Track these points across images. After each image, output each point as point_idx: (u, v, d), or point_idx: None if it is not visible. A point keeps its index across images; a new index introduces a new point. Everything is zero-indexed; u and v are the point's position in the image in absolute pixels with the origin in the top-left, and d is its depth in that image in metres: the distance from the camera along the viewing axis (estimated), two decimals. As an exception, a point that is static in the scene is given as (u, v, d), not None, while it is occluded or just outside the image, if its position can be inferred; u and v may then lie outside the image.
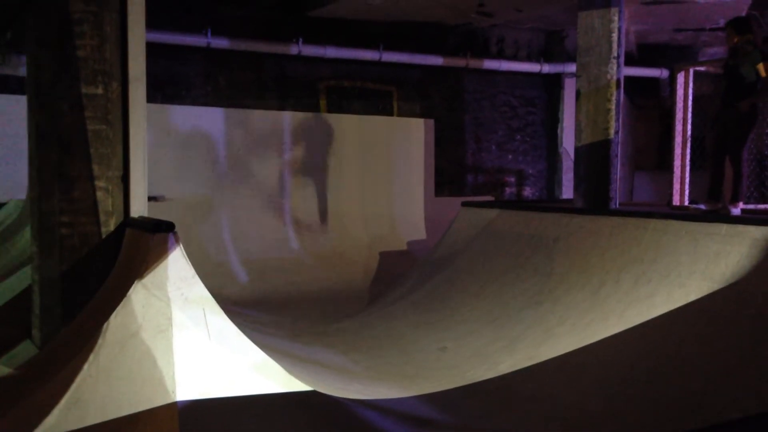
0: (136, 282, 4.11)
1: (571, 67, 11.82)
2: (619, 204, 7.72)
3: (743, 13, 10.30)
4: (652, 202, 11.15)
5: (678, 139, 8.21)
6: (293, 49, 10.39)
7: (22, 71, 8.70)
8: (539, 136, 13.11)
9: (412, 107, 11.81)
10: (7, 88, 8.91)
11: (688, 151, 8.18)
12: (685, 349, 4.73)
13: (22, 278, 5.91)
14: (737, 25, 6.88)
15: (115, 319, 3.99)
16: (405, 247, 10.73)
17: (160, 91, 9.62)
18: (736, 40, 6.80)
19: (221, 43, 9.94)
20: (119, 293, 4.16)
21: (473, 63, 11.81)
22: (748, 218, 5.58)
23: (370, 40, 10.98)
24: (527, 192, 13.05)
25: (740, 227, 5.24)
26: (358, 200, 10.96)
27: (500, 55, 12.32)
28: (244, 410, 3.98)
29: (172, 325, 4.04)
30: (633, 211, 6.64)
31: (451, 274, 7.41)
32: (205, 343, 4.09)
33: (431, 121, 11.74)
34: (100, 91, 4.81)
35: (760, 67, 6.64)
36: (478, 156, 12.48)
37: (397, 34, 11.26)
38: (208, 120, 9.89)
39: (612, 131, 7.44)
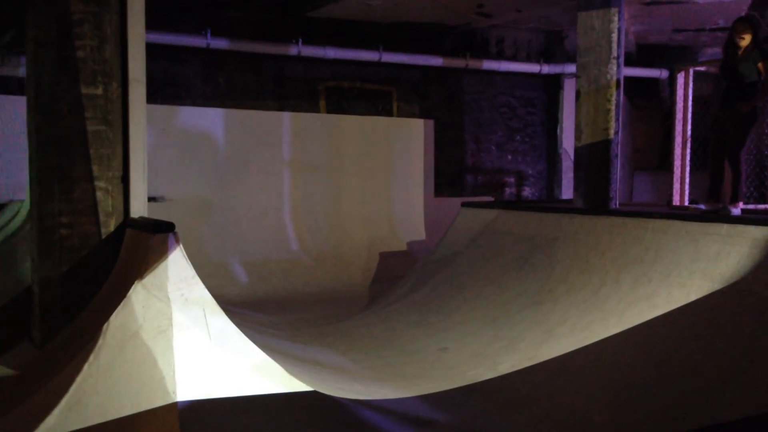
0: (136, 282, 4.10)
1: (571, 68, 11.82)
2: (619, 204, 7.72)
3: (743, 14, 10.31)
4: (652, 202, 11.15)
5: (678, 139, 8.21)
6: (293, 50, 10.39)
7: (22, 72, 8.69)
8: (539, 136, 13.11)
9: (412, 108, 11.81)
10: (7, 89, 8.90)
11: (688, 151, 8.18)
12: (686, 348, 4.73)
13: (22, 278, 5.91)
14: (754, 23, 6.80)
15: (116, 320, 3.99)
16: (404, 248, 10.72)
17: (159, 92, 9.62)
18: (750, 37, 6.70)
19: (221, 43, 9.93)
20: (119, 294, 4.15)
21: (473, 63, 11.81)
22: (748, 218, 5.58)
23: (369, 41, 10.98)
24: (527, 192, 13.05)
25: (740, 227, 5.24)
26: (358, 201, 10.95)
27: (500, 56, 12.32)
28: (245, 410, 3.97)
29: (172, 326, 4.03)
30: (633, 212, 6.64)
31: (450, 275, 7.41)
32: (205, 343, 4.09)
33: (431, 122, 11.73)
34: (99, 91, 4.81)
35: (761, 66, 6.63)
36: (477, 156, 12.48)
37: (397, 35, 11.26)
38: (207, 121, 9.88)
39: (612, 131, 7.44)
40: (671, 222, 5.80)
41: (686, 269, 5.32)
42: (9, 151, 8.53)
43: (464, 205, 8.60)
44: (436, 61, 11.50)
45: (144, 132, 5.00)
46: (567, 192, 12.59)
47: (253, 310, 7.85)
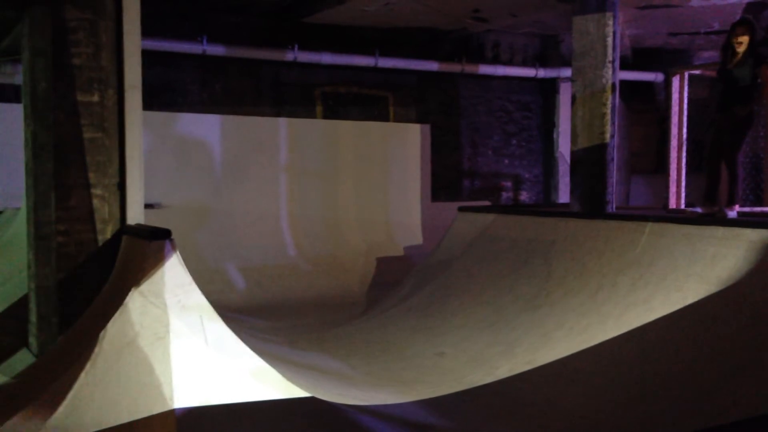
0: (133, 289, 4.10)
1: (567, 72, 11.84)
2: (616, 208, 7.73)
3: (737, 17, 10.33)
4: (649, 205, 11.17)
5: (674, 142, 8.22)
6: (289, 56, 10.40)
7: (18, 80, 8.69)
8: (535, 140, 13.13)
9: (408, 113, 11.82)
10: (3, 96, 8.90)
11: (684, 154, 8.19)
12: (683, 351, 4.73)
13: (19, 286, 5.89)
14: (752, 26, 6.79)
15: (113, 327, 3.98)
16: (402, 253, 10.72)
17: (156, 99, 9.61)
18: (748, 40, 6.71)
19: (217, 50, 9.94)
20: (116, 301, 4.15)
21: (469, 68, 11.83)
22: (745, 221, 5.60)
23: (365, 46, 10.99)
24: (524, 196, 13.06)
25: (737, 230, 5.25)
26: (355, 206, 10.95)
27: (496, 60, 12.34)
28: (243, 417, 3.97)
29: (169, 333, 4.03)
30: (629, 215, 6.65)
31: (448, 280, 7.40)
32: (202, 350, 4.08)
33: (427, 127, 11.74)
34: (95, 98, 4.81)
35: (763, 70, 6.62)
36: (474, 161, 12.49)
37: (393, 40, 11.28)
38: (204, 127, 9.88)
39: (608, 135, 7.45)
40: (668, 225, 5.81)
41: (683, 272, 5.32)
42: (5, 158, 8.52)
43: (461, 209, 8.61)
44: (432, 65, 11.52)
45: (140, 139, 5.01)
46: (564, 196, 12.60)
47: (250, 316, 7.84)
